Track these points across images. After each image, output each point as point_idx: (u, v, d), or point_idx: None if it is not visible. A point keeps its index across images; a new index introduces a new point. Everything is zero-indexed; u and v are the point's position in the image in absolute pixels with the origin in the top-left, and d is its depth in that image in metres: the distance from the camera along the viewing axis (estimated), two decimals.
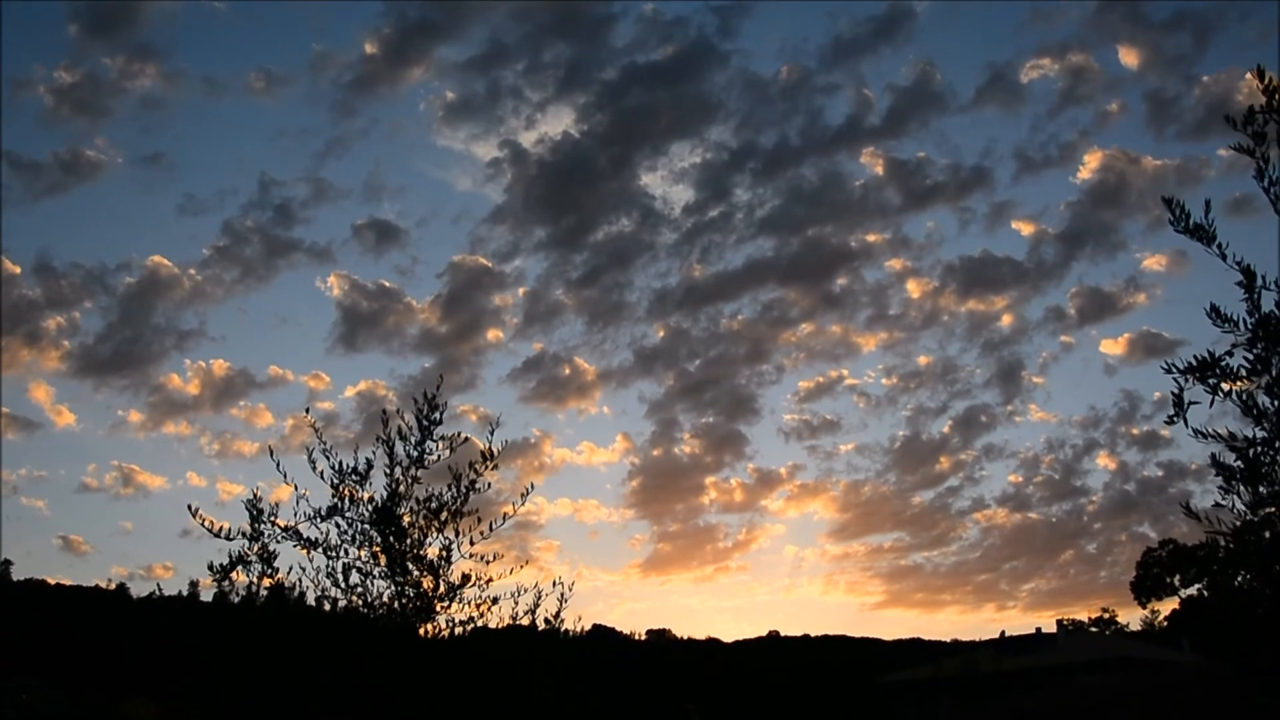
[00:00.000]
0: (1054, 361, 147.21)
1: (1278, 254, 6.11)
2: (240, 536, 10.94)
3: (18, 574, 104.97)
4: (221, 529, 10.92)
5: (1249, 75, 6.12)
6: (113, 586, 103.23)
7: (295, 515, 11.24)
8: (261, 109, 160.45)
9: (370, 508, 11.38)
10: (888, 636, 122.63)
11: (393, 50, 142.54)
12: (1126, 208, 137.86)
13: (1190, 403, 6.14)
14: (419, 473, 11.53)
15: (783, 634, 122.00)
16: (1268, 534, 6.39)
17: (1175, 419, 6.13)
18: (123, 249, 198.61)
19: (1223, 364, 6.06)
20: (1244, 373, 6.00)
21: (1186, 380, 6.14)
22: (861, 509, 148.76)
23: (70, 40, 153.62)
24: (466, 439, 11.73)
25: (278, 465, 11.37)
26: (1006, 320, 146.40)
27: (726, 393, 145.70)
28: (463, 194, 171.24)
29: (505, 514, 11.71)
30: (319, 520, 11.29)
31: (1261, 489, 6.01)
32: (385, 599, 11.29)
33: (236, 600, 11.44)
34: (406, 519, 11.44)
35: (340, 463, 11.41)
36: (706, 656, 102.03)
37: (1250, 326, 6.03)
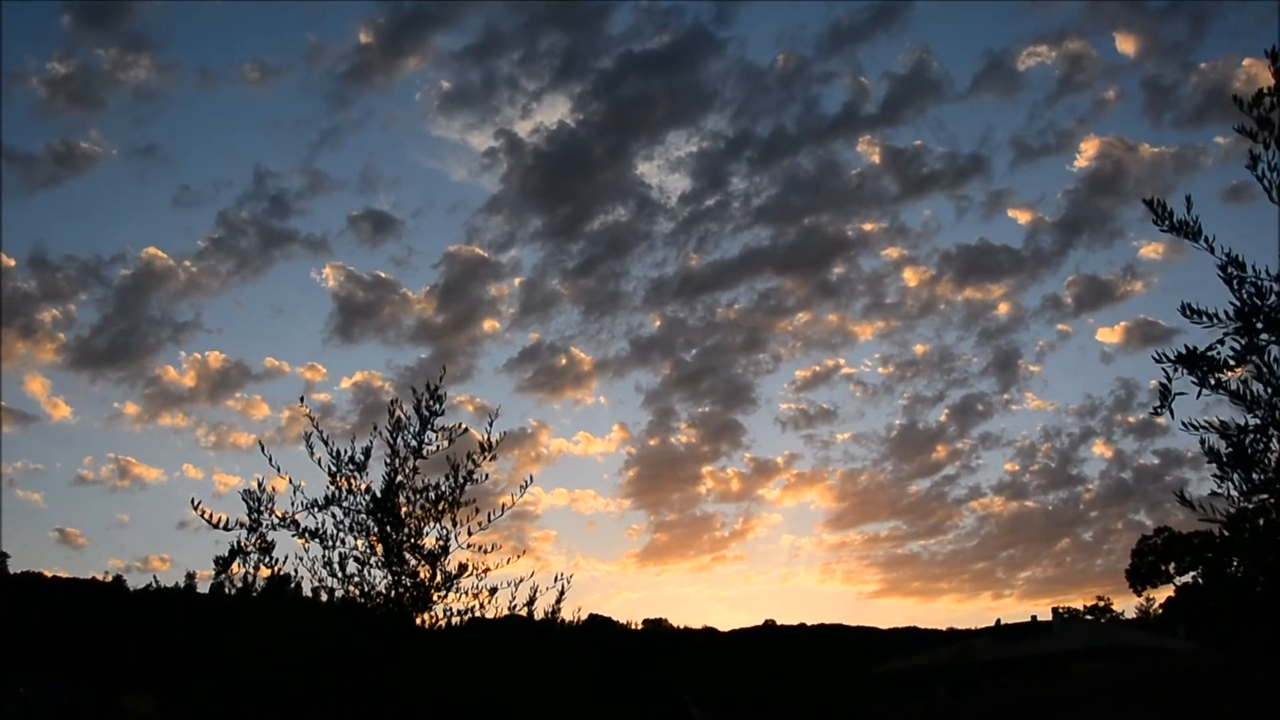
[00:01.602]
0: (1050, 350, 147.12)
1: (1277, 239, 6.14)
2: (239, 527, 11.00)
3: (14, 567, 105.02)
4: (220, 520, 10.97)
5: (1247, 62, 6.17)
6: (109, 579, 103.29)
7: (293, 505, 11.29)
8: (256, 100, 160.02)
9: (368, 497, 11.43)
10: (884, 625, 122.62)
11: (387, 40, 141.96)
12: (1124, 195, 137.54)
13: (1177, 394, 6.20)
14: (417, 463, 11.59)
15: (779, 623, 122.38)
16: (1260, 521, 6.44)
17: (1161, 410, 6.19)
18: (118, 241, 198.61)
19: (1211, 354, 6.11)
20: (1231, 361, 6.06)
21: (1176, 370, 6.19)
22: (858, 498, 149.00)
23: (63, 32, 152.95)
24: (466, 429, 11.79)
25: (270, 459, 11.43)
26: (1003, 309, 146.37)
27: (723, 382, 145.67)
28: (458, 184, 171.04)
29: (504, 505, 11.77)
30: (316, 510, 11.35)
31: (1254, 476, 6.06)
32: (382, 589, 11.35)
33: (233, 592, 11.48)
34: (404, 509, 11.50)
35: (338, 451, 11.46)
36: (703, 646, 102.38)
37: (1234, 315, 6.08)
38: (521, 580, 11.93)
